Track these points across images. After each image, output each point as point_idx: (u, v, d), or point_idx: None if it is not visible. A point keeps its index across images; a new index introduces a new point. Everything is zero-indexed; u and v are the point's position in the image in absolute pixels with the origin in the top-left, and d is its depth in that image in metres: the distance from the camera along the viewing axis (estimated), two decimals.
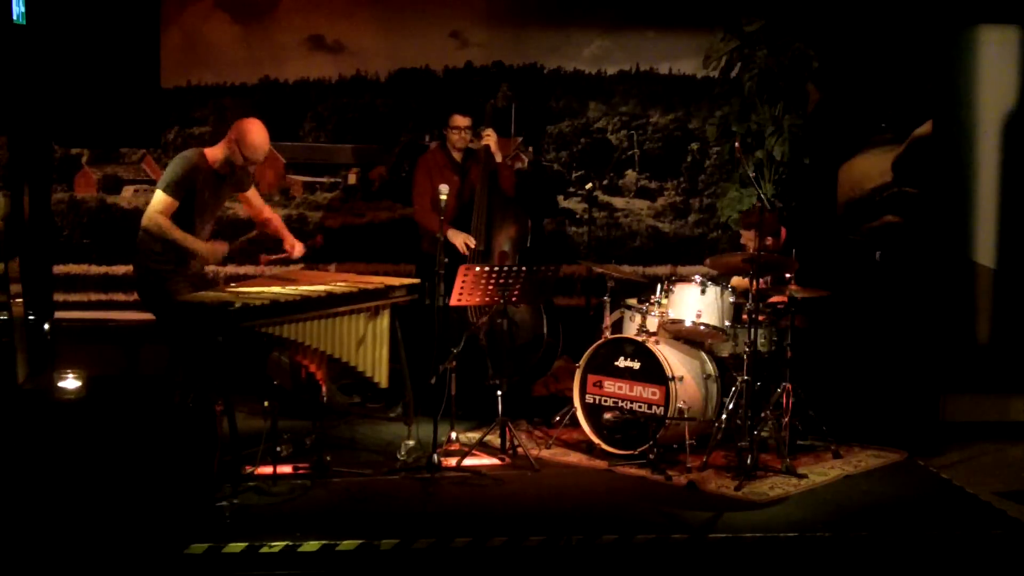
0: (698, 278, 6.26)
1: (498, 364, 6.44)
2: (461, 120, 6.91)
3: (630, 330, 6.40)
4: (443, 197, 6.04)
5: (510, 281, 5.99)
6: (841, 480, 5.92)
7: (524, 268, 6.02)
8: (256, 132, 5.79)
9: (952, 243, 7.14)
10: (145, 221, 5.72)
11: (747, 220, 6.47)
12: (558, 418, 6.56)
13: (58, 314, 6.55)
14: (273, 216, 6.34)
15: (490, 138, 6.88)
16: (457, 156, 6.98)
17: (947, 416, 6.79)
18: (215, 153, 5.84)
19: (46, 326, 5.75)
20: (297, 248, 6.14)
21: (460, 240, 6.83)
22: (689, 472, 5.84)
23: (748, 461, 5.77)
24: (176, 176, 5.70)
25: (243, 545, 4.71)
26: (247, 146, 5.77)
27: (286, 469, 5.60)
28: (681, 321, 6.20)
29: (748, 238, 6.41)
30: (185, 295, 5.51)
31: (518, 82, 7.57)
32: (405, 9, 7.51)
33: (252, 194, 6.20)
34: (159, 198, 5.71)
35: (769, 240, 6.54)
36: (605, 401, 6.20)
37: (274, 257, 6.25)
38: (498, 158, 6.91)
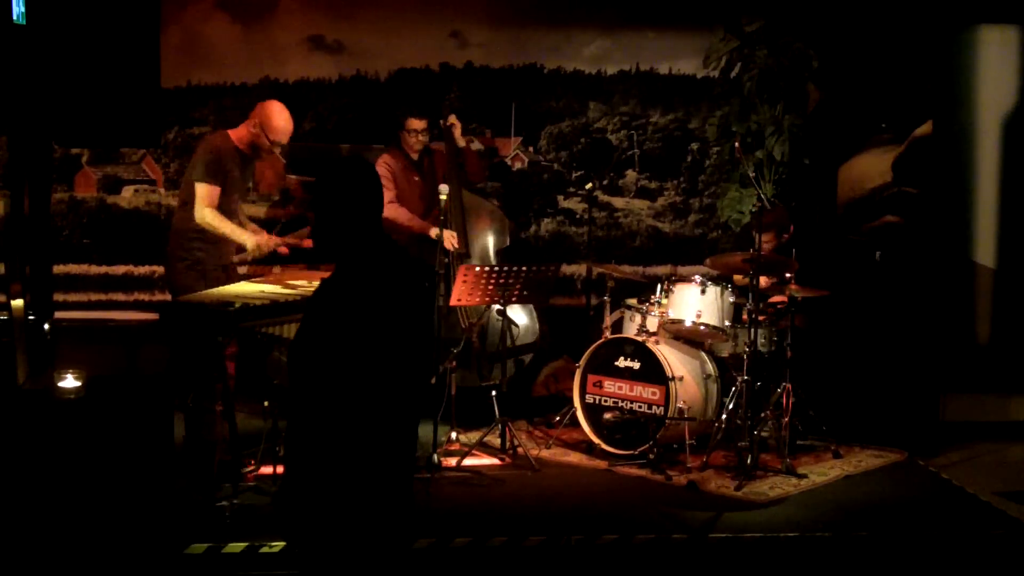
0: (698, 278, 6.26)
1: (490, 365, 6.49)
2: (417, 123, 6.73)
3: (630, 330, 6.39)
4: (443, 197, 6.03)
5: (510, 281, 5.99)
6: (841, 480, 5.92)
7: (524, 268, 6.02)
8: (279, 115, 5.76)
9: (952, 243, 7.14)
10: (198, 219, 5.64)
11: (765, 221, 6.15)
12: (558, 418, 6.56)
13: (58, 314, 6.53)
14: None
15: (456, 125, 6.75)
16: (414, 156, 6.88)
17: (947, 416, 6.78)
18: (239, 134, 5.80)
19: (46, 326, 5.73)
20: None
21: (446, 236, 6.78)
22: (689, 472, 5.84)
23: (748, 461, 5.77)
24: (208, 162, 5.66)
25: (243, 545, 4.71)
26: (272, 130, 5.73)
27: None
28: (681, 321, 6.19)
29: (767, 239, 6.32)
30: (184, 295, 5.50)
31: (518, 82, 7.56)
32: (405, 9, 7.50)
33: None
34: (201, 191, 5.63)
35: (785, 236, 6.50)
36: (605, 401, 6.20)
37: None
38: (461, 143, 6.79)
